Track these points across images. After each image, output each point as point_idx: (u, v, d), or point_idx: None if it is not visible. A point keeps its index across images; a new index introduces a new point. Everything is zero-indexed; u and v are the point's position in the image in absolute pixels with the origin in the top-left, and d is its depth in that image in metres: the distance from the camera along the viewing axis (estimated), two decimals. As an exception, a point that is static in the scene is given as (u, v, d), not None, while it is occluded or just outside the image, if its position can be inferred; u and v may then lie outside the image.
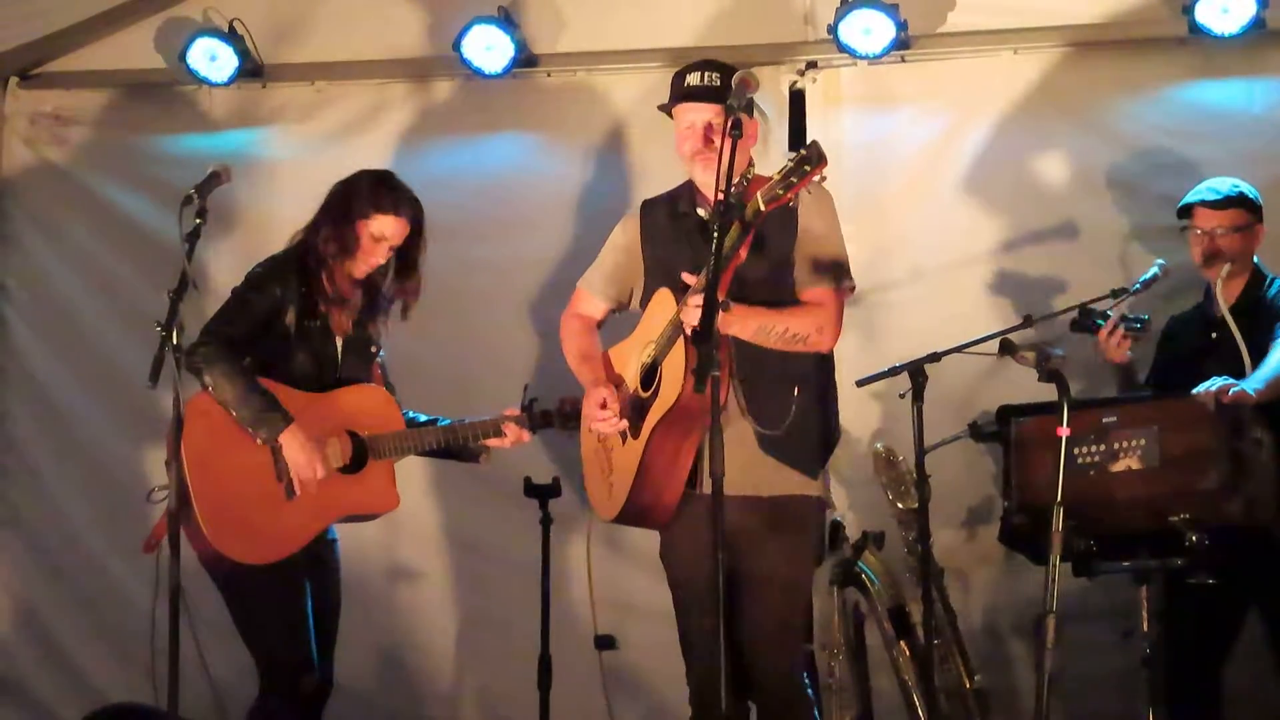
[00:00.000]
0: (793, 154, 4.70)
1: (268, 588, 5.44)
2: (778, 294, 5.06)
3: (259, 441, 5.45)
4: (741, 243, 4.72)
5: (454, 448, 5.81)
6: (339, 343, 5.69)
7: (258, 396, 5.45)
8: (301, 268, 5.61)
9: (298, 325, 5.57)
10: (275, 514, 5.47)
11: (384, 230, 5.62)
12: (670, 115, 5.23)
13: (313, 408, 5.55)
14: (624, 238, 5.40)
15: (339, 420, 5.61)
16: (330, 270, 5.61)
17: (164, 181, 7.04)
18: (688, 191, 5.23)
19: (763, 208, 4.66)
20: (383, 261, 5.67)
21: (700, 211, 5.09)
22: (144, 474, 6.89)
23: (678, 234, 5.19)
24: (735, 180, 4.82)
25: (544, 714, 6.15)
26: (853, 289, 5.19)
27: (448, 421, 5.77)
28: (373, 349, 5.79)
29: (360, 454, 5.63)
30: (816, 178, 4.62)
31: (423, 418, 5.81)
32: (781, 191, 4.62)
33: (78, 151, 7.49)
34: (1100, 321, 5.84)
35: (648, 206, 5.38)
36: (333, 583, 5.74)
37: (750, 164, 5.17)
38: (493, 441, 5.78)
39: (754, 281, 4.98)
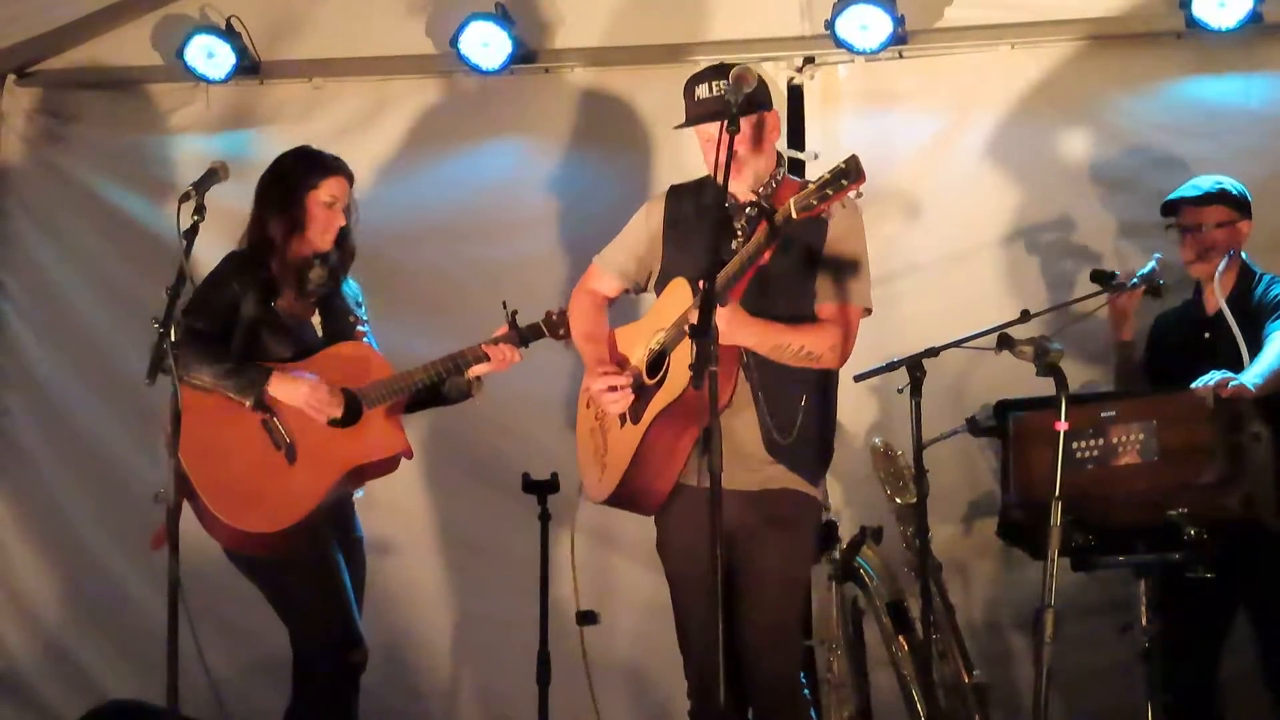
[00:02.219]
0: (792, 151, 4.70)
1: (305, 566, 5.51)
2: (798, 300, 5.05)
3: (248, 405, 5.49)
4: (768, 247, 4.72)
5: (444, 385, 5.80)
6: (315, 318, 5.75)
7: (230, 364, 5.50)
8: (257, 259, 5.66)
9: (264, 311, 5.61)
10: (282, 480, 5.51)
11: (333, 193, 5.72)
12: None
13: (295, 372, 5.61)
14: (647, 220, 5.35)
15: (326, 379, 5.61)
16: (283, 254, 5.66)
17: (162, 179, 7.06)
18: (714, 183, 5.20)
19: (795, 216, 4.64)
20: (344, 224, 5.75)
21: (726, 206, 5.06)
22: (144, 469, 6.89)
23: (700, 224, 5.15)
24: (765, 181, 4.88)
25: (543, 709, 6.16)
26: (869, 311, 5.16)
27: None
28: (351, 318, 5.84)
29: (354, 408, 5.63)
30: (853, 193, 4.60)
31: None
32: (816, 203, 4.60)
33: (75, 149, 7.48)
34: (1115, 274, 5.95)
35: (674, 192, 5.34)
36: (358, 580, 5.77)
37: (780, 161, 5.17)
38: (483, 367, 5.77)
39: (776, 285, 4.98)
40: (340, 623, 5.54)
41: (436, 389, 5.82)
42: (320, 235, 5.72)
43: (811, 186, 4.64)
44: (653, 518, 5.22)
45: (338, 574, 5.58)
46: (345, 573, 5.61)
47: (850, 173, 4.57)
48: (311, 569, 5.53)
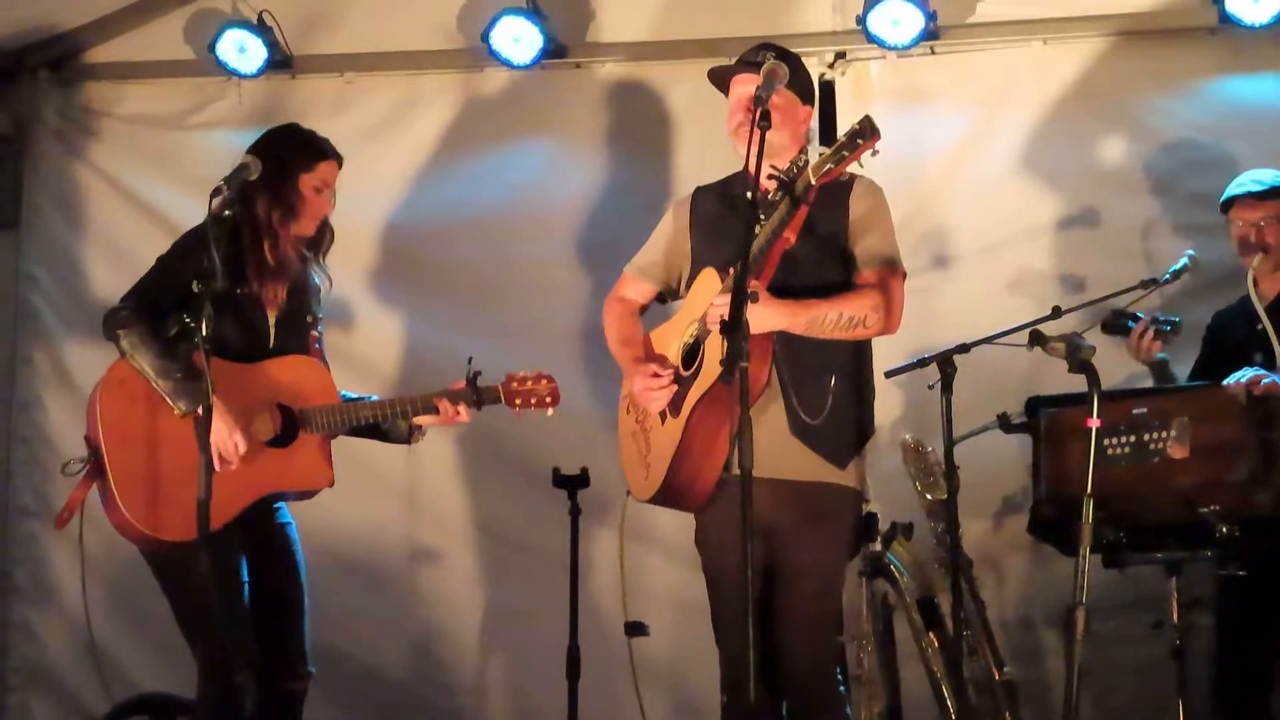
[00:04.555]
0: (823, 149, 4.70)
1: (203, 576, 5.06)
2: (825, 277, 5.04)
3: (177, 413, 5.24)
4: (791, 218, 4.72)
5: (387, 425, 5.65)
6: (272, 314, 5.53)
7: (177, 364, 5.26)
8: (233, 239, 5.40)
9: (228, 293, 5.29)
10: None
11: (326, 178, 5.56)
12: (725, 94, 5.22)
13: (240, 378, 5.37)
14: (673, 223, 5.38)
15: (269, 392, 5.44)
16: (276, 238, 5.47)
17: (193, 173, 7.06)
18: (740, 177, 5.20)
19: (814, 182, 4.65)
20: (330, 210, 5.61)
21: (749, 195, 5.06)
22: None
23: (726, 219, 5.16)
24: (784, 166, 4.81)
25: (572, 704, 6.15)
26: (904, 275, 5.17)
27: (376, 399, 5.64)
28: (309, 318, 5.64)
29: (291, 427, 5.46)
30: (869, 151, 4.61)
31: (352, 395, 5.64)
32: (833, 165, 4.62)
33: (107, 143, 7.51)
34: (1131, 324, 5.86)
35: (700, 193, 5.36)
36: (290, 567, 5.57)
37: (804, 150, 5.13)
38: (428, 420, 5.64)
39: (803, 266, 4.98)
40: (226, 639, 5.16)
41: (378, 426, 5.66)
42: (306, 222, 5.55)
43: (827, 151, 4.65)
44: (686, 513, 5.22)
45: (235, 588, 5.33)
46: (246, 588, 5.37)
47: (864, 131, 4.60)
48: (204, 575, 5.03)
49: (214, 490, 5.04)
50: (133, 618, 7.09)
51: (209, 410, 4.98)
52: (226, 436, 5.25)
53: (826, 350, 5.01)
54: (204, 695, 5.29)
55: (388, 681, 7.04)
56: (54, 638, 7.35)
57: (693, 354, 5.05)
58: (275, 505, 5.57)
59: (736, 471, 4.68)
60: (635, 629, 6.18)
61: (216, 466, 5.16)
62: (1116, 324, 5.90)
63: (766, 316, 4.80)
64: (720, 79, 5.23)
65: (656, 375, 5.09)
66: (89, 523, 6.83)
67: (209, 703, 5.27)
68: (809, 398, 4.99)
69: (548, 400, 5.69)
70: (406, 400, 5.59)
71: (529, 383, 5.67)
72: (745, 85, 5.05)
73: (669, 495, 5.11)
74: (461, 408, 5.59)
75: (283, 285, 5.54)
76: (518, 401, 5.66)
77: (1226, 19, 6.49)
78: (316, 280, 5.73)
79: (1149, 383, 6.07)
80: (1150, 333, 5.83)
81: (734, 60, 5.25)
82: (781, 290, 4.90)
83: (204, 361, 4.94)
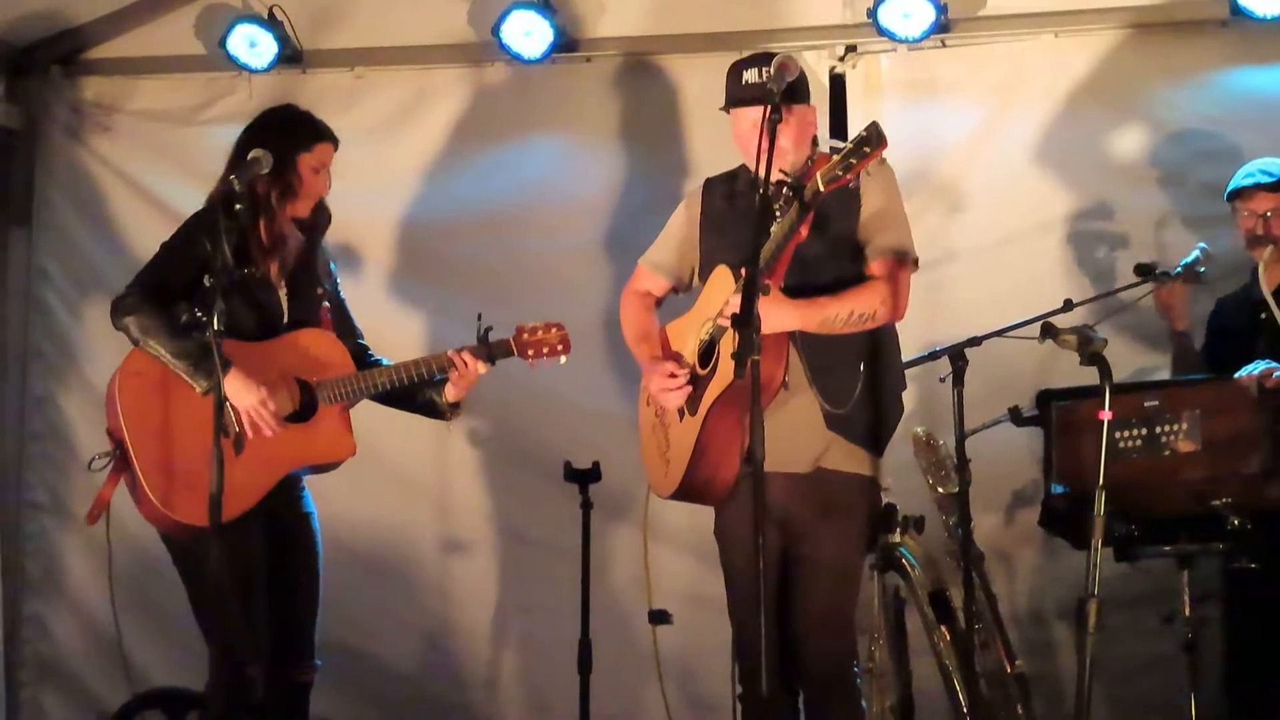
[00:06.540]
0: (834, 141, 4.70)
1: (219, 565, 4.93)
2: (839, 274, 5.04)
3: (199, 391, 5.23)
4: (800, 224, 4.72)
5: (409, 390, 5.60)
6: (282, 291, 5.53)
7: (191, 345, 5.26)
8: (233, 220, 5.30)
9: (235, 278, 5.25)
10: (224, 471, 4.94)
11: (324, 159, 5.56)
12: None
13: (255, 355, 5.37)
14: (685, 216, 5.39)
15: (284, 367, 5.43)
16: (272, 216, 5.47)
17: (204, 168, 7.03)
18: (747, 171, 5.21)
19: (822, 188, 4.65)
20: (327, 192, 5.61)
21: (765, 195, 5.05)
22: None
23: (735, 213, 5.17)
24: (800, 163, 4.82)
25: (584, 698, 6.16)
26: (916, 262, 5.16)
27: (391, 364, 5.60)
28: (319, 291, 5.64)
29: (309, 401, 5.46)
30: (876, 160, 4.62)
31: (386, 361, 5.64)
32: (841, 173, 4.62)
33: (118, 138, 7.51)
34: (1156, 265, 5.89)
35: (709, 185, 5.37)
36: (308, 558, 5.57)
37: (814, 144, 5.15)
38: (451, 390, 5.62)
39: (815, 262, 4.98)
40: (239, 629, 5.13)
41: (410, 393, 5.64)
42: (303, 202, 5.55)
43: (836, 158, 4.65)
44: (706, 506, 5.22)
45: (254, 578, 5.31)
46: (264, 579, 5.36)
47: (871, 139, 4.60)
48: (224, 564, 4.93)
49: (239, 472, 5.10)
50: (148, 613, 7.10)
51: (220, 403, 4.95)
52: (255, 404, 5.28)
53: (853, 338, 5.01)
54: (214, 685, 5.30)
55: (400, 675, 7.04)
56: (67, 633, 7.36)
57: (709, 352, 5.06)
58: (299, 493, 5.59)
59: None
60: (659, 617, 6.16)
61: (249, 433, 5.26)
62: (1147, 268, 5.92)
63: (780, 316, 4.82)
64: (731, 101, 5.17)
65: (673, 375, 5.10)
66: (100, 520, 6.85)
67: (219, 693, 5.27)
68: (837, 387, 5.00)
69: (559, 348, 5.66)
70: (422, 362, 5.57)
71: (539, 332, 5.65)
72: (755, 113, 4.87)
73: (689, 492, 5.15)
74: (473, 361, 5.54)
75: (279, 263, 5.52)
76: (530, 352, 5.63)
77: (1238, 11, 6.47)
78: (323, 254, 5.73)
79: (1162, 375, 6.08)
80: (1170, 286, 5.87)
81: (742, 54, 5.23)
82: (794, 289, 4.91)
83: (216, 351, 4.93)
